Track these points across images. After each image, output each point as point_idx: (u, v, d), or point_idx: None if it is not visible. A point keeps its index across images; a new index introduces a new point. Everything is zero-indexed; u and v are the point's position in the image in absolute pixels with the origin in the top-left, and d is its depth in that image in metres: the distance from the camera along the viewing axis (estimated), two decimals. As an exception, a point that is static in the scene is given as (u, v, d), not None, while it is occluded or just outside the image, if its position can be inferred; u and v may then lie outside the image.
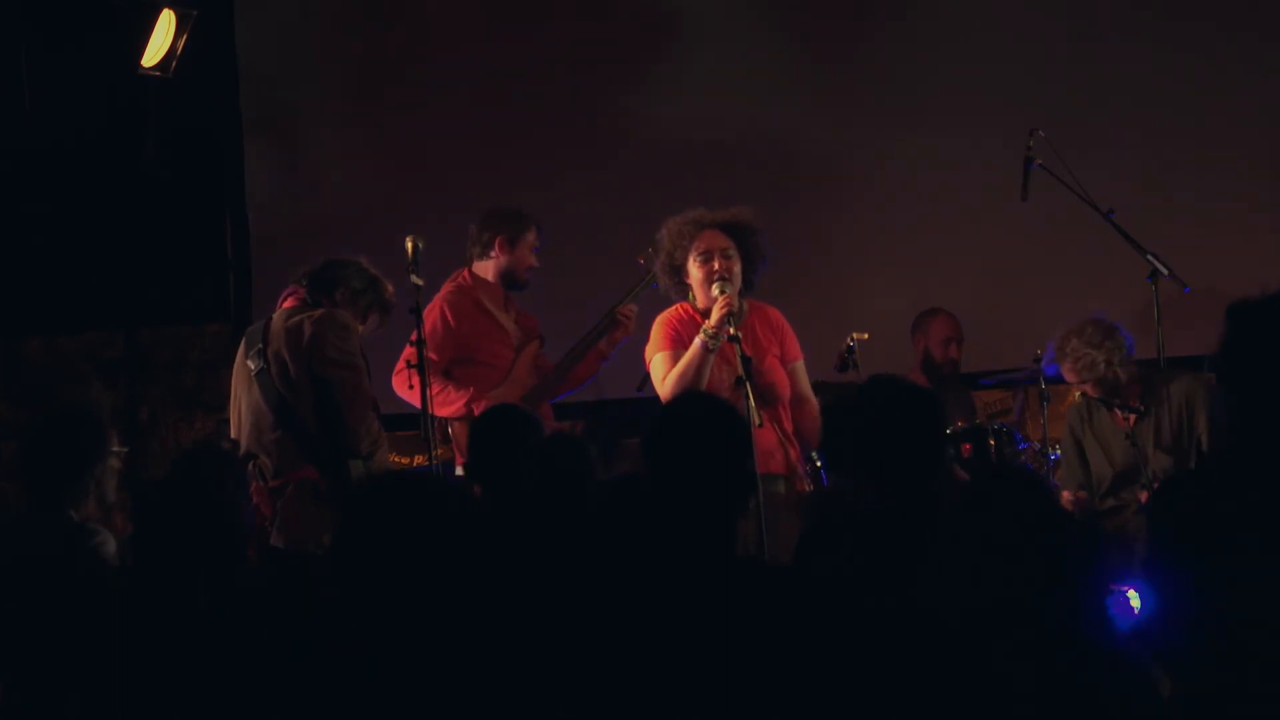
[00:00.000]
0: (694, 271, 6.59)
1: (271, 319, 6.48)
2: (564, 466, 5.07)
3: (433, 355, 6.86)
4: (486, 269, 7.26)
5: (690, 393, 6.01)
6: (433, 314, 7.11)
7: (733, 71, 8.88)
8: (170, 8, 8.08)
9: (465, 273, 7.29)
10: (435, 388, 6.83)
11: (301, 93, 9.06)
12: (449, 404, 7.01)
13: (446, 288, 7.24)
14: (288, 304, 6.49)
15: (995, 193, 8.21)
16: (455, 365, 7.11)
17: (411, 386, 6.43)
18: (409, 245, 6.50)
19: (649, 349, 6.65)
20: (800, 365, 6.75)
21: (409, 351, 6.87)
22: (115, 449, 5.25)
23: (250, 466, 6.24)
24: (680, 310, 6.67)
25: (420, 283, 6.45)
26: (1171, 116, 8.59)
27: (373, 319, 6.55)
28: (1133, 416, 7.18)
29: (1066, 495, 7.03)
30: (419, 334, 6.39)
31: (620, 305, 7.24)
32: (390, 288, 6.55)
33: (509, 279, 7.27)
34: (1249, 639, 3.56)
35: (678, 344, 6.54)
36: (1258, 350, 3.77)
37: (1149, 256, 7.44)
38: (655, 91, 8.88)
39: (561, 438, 5.47)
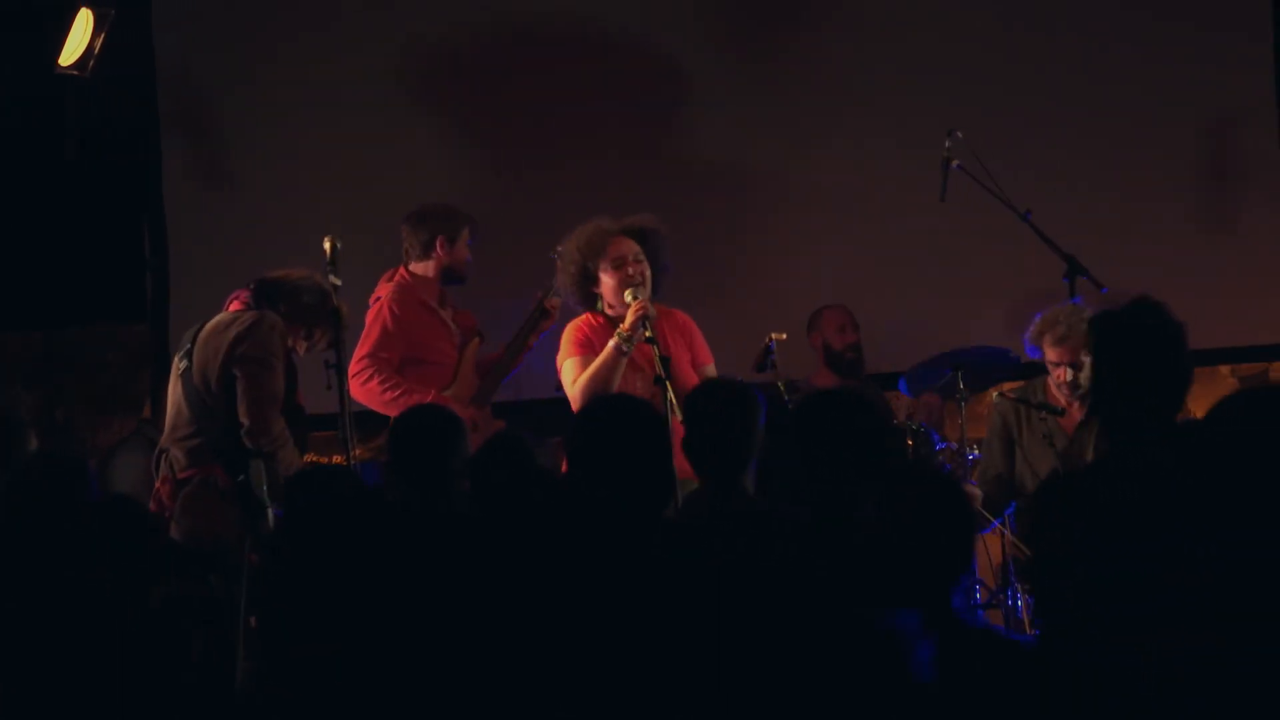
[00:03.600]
0: (606, 280, 6.61)
1: (209, 321, 6.46)
2: (510, 467, 5.08)
3: (384, 354, 6.98)
4: (427, 268, 7.29)
5: (609, 395, 6.04)
6: (378, 313, 7.16)
7: (649, 74, 8.89)
8: (88, 7, 8.03)
9: (403, 271, 7.31)
10: (395, 389, 6.88)
11: (220, 92, 9.01)
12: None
13: (387, 287, 7.25)
14: (232, 307, 6.49)
15: (913, 193, 8.25)
16: (406, 365, 7.11)
17: (329, 388, 6.40)
18: (327, 245, 6.51)
19: (559, 356, 6.67)
20: (711, 369, 6.77)
21: (361, 352, 6.92)
22: (35, 449, 5.23)
23: (162, 460, 6.25)
24: (589, 317, 6.70)
25: (338, 283, 6.46)
26: (1089, 117, 8.66)
27: (319, 334, 6.52)
28: (1052, 416, 7.21)
29: (975, 490, 7.05)
30: (336, 334, 6.39)
31: (546, 297, 7.28)
32: (345, 307, 6.52)
33: (450, 275, 7.33)
34: (1121, 612, 3.66)
35: (587, 349, 6.56)
36: (1120, 357, 3.92)
37: (1066, 257, 7.50)
38: (571, 92, 8.87)
39: (507, 438, 5.46)
